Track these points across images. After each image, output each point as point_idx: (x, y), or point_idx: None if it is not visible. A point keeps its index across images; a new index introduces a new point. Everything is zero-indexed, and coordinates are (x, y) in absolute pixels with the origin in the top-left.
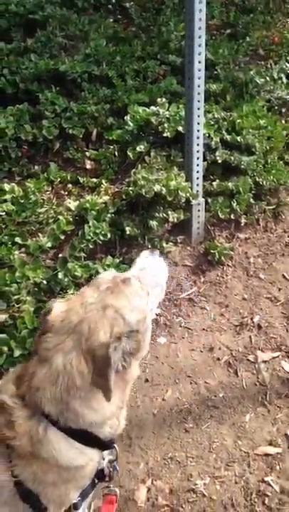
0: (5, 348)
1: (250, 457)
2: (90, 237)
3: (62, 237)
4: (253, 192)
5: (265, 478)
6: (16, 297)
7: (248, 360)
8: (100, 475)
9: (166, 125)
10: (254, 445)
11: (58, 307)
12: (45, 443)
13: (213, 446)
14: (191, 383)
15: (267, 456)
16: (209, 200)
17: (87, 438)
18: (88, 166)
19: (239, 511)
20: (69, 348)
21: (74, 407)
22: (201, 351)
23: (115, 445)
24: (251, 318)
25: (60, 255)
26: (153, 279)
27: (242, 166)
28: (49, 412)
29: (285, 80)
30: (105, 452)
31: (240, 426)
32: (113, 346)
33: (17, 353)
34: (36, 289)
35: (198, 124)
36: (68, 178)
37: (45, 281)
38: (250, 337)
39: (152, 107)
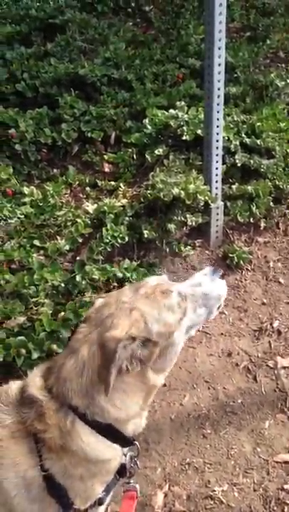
0: (23, 351)
1: (269, 464)
2: (107, 240)
3: (80, 240)
4: (272, 195)
5: (285, 486)
6: (34, 300)
7: (268, 365)
8: (122, 470)
9: (185, 128)
10: (273, 452)
11: (98, 302)
12: (74, 436)
13: (231, 453)
14: (209, 388)
15: (287, 464)
16: (228, 203)
17: (112, 433)
18: (106, 169)
19: None
20: (93, 340)
21: (99, 402)
22: (220, 356)
23: (136, 442)
24: (271, 324)
25: (77, 258)
26: (202, 298)
27: (261, 170)
28: (76, 405)
29: None
30: (125, 449)
31: (259, 432)
32: (123, 344)
33: (35, 355)
34: (54, 291)
35: (218, 127)
36: (87, 181)
37: (63, 284)
38: (269, 342)
39: (171, 110)
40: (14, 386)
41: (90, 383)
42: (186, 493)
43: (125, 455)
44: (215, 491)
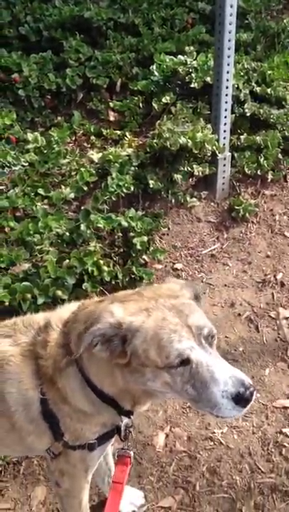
0: (28, 296)
1: (269, 409)
2: (113, 190)
3: (85, 189)
4: (281, 147)
5: (283, 430)
6: (38, 247)
7: (270, 316)
8: (117, 431)
9: (193, 75)
10: (273, 398)
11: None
12: (64, 375)
13: None
14: None
15: (285, 409)
16: (236, 154)
17: (99, 393)
18: (112, 118)
19: (256, 460)
20: (107, 303)
21: (83, 357)
22: (222, 306)
23: (132, 417)
24: (274, 276)
25: (82, 207)
26: (200, 384)
27: (271, 120)
28: (73, 349)
29: None
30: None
31: (259, 379)
32: (110, 322)
33: (40, 300)
34: (59, 240)
35: (228, 73)
36: (91, 130)
37: (67, 233)
38: (272, 294)
39: (180, 56)
40: (42, 314)
41: (85, 329)
42: (187, 435)
43: (122, 420)
44: (215, 433)
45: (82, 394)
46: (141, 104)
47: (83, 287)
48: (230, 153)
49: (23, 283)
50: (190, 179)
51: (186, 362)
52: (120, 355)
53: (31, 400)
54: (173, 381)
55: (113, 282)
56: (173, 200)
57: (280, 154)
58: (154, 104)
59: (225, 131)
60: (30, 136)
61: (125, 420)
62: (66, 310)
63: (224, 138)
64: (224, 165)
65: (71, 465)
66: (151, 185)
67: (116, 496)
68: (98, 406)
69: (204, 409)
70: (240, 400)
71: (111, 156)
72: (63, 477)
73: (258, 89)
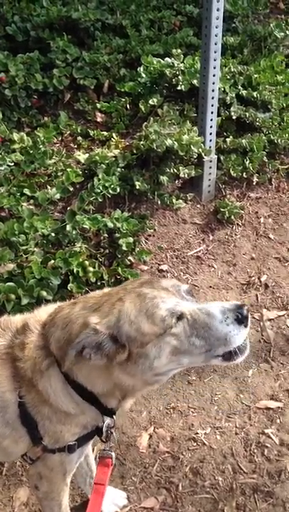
0: (12, 296)
1: (252, 410)
2: (99, 191)
3: (71, 189)
4: (266, 150)
5: (266, 431)
6: (23, 248)
7: (254, 317)
8: (98, 432)
9: (180, 78)
10: (255, 399)
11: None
12: (45, 376)
13: (215, 399)
14: None
15: (268, 410)
16: (222, 157)
17: (83, 392)
18: (99, 119)
19: (238, 460)
20: (87, 306)
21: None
22: None
23: (114, 417)
24: (259, 278)
25: (68, 208)
26: (203, 330)
27: (257, 123)
28: (53, 352)
29: None
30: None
31: (242, 380)
32: (86, 333)
33: (24, 301)
34: (44, 240)
35: (214, 76)
36: (78, 130)
37: (53, 234)
38: (256, 296)
39: (167, 59)
40: (20, 316)
41: (66, 340)
42: (170, 435)
43: (103, 421)
44: (198, 433)
45: (65, 395)
46: (128, 106)
47: (68, 288)
48: (216, 156)
49: (8, 283)
50: (176, 181)
51: (180, 316)
52: (118, 352)
53: (8, 403)
54: (179, 341)
55: (98, 283)
56: (159, 202)
57: (265, 157)
58: (141, 106)
59: (211, 133)
60: (16, 136)
61: (107, 420)
62: (43, 312)
63: (210, 140)
64: (210, 167)
65: (49, 469)
66: (137, 187)
67: (97, 498)
68: (82, 406)
69: (220, 355)
70: (243, 319)
71: (97, 157)
72: (41, 480)
73: (244, 92)
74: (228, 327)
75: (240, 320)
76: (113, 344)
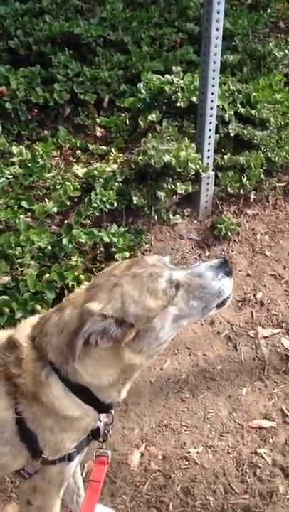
0: (6, 309)
1: (244, 429)
2: (96, 205)
3: (69, 203)
4: (264, 168)
5: (258, 450)
6: (19, 260)
7: (248, 335)
8: (95, 433)
9: (179, 94)
10: (249, 418)
11: (105, 269)
12: (46, 387)
13: (207, 417)
14: (190, 355)
15: (261, 429)
16: (219, 174)
17: (86, 394)
18: (98, 134)
19: (230, 480)
20: (78, 305)
21: (72, 364)
22: (202, 324)
23: (112, 411)
24: (254, 295)
25: (65, 222)
26: (198, 291)
27: (255, 141)
28: (51, 360)
29: None
30: (102, 415)
31: (236, 398)
32: (93, 319)
33: (18, 314)
34: (40, 253)
35: (213, 94)
36: (77, 144)
37: (49, 247)
38: (251, 313)
39: (167, 75)
40: (4, 332)
41: (65, 344)
42: (162, 454)
43: (100, 420)
44: (190, 452)
45: (68, 399)
46: (127, 121)
47: None
48: (213, 173)
49: (2, 296)
50: (173, 196)
51: (178, 285)
52: (126, 333)
53: (5, 422)
54: (179, 308)
55: None
56: (156, 217)
57: (262, 175)
58: (140, 122)
59: (209, 150)
60: (15, 149)
61: (104, 419)
62: (27, 325)
63: (208, 157)
64: (207, 183)
65: (46, 481)
66: (134, 202)
67: (93, 494)
68: (85, 408)
69: (214, 307)
70: (229, 272)
71: (96, 172)
72: (35, 494)
73: (242, 110)
74: (220, 281)
75: (228, 272)
76: (120, 327)
